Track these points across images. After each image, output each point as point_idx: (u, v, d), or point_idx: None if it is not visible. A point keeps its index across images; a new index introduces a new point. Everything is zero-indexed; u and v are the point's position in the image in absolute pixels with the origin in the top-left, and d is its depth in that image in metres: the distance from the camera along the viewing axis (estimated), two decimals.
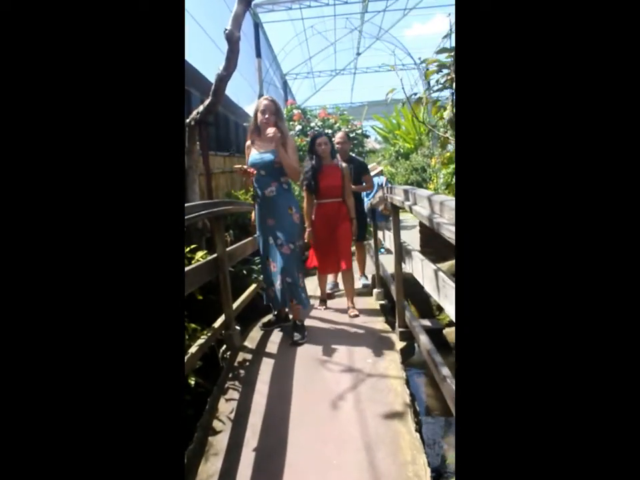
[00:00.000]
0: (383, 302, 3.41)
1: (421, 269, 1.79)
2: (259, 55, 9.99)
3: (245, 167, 2.35)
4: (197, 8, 7.08)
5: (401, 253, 2.29)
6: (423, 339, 1.90)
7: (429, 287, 1.65)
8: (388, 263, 3.36)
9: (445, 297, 1.39)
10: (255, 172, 2.36)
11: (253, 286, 3.25)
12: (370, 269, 3.91)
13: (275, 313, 2.80)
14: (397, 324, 2.45)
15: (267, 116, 2.35)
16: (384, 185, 7.43)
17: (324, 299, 3.32)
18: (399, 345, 2.36)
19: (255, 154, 2.44)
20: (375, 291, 3.59)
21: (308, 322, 2.72)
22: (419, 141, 12.38)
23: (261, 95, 11.00)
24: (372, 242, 4.10)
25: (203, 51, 7.08)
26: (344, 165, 3.07)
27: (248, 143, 2.53)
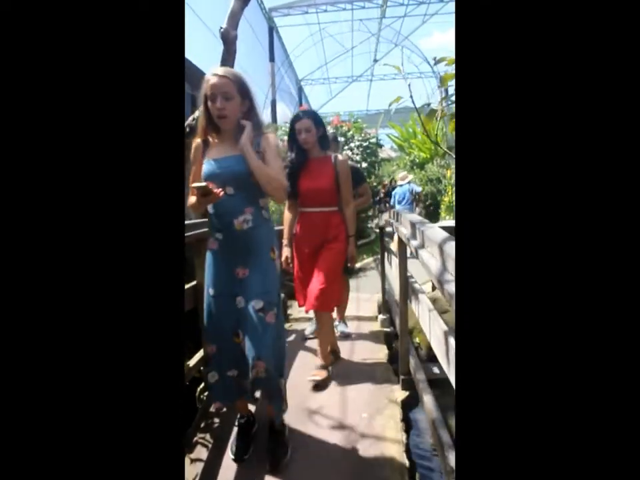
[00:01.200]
0: (388, 330, 3.12)
1: (428, 321, 1.47)
2: (272, 59, 9.80)
3: (204, 184, 1.30)
4: (213, 15, 6.88)
5: (407, 290, 1.97)
6: (428, 402, 1.57)
7: (437, 349, 1.33)
8: (396, 284, 3.05)
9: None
10: (221, 191, 1.32)
11: None
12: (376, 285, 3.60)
13: (240, 416, 1.71)
14: (399, 369, 2.13)
15: (218, 104, 1.36)
16: (414, 192, 7.08)
17: (324, 364, 2.21)
18: (401, 395, 2.04)
19: (211, 162, 1.44)
20: (380, 317, 3.31)
21: (298, 359, 2.41)
22: (435, 150, 12.01)
23: (273, 102, 10.45)
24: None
25: (217, 60, 6.80)
26: (340, 157, 2.16)
27: (197, 142, 1.50)
